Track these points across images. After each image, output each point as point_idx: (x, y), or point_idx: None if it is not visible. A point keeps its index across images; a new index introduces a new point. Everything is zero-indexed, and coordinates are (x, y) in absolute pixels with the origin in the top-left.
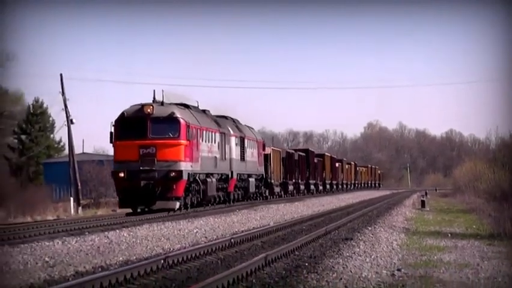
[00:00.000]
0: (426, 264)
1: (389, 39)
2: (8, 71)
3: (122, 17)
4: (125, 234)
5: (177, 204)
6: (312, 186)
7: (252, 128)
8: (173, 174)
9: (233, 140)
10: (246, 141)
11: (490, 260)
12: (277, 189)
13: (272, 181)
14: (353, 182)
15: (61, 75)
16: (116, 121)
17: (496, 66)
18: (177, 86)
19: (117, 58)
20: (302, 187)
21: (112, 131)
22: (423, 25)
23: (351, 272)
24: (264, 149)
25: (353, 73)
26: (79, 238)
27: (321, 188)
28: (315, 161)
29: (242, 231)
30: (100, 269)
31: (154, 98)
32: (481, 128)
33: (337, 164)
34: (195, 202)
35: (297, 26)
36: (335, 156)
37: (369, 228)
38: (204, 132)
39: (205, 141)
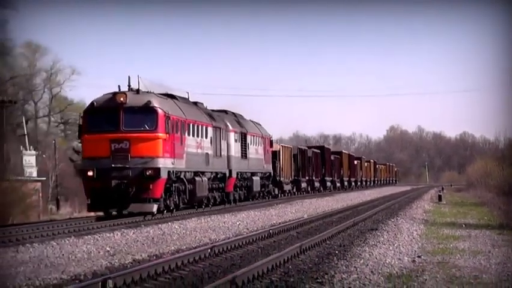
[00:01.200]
0: (443, 252)
1: (408, 53)
2: (73, 83)
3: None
4: (176, 227)
5: (154, 207)
6: (328, 183)
7: (259, 124)
8: (149, 172)
9: (232, 136)
10: (248, 137)
11: (500, 248)
12: (287, 187)
13: (281, 179)
14: (372, 179)
15: (119, 86)
16: (84, 112)
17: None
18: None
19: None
20: (317, 184)
21: (81, 123)
22: (440, 40)
23: (376, 258)
24: (271, 146)
25: (376, 82)
26: (135, 230)
27: (338, 185)
28: (332, 158)
29: (279, 223)
30: (154, 257)
31: (129, 85)
32: (491, 130)
33: (355, 162)
34: (180, 204)
35: (327, 41)
36: (353, 154)
37: (392, 220)
38: (191, 125)
39: (193, 136)
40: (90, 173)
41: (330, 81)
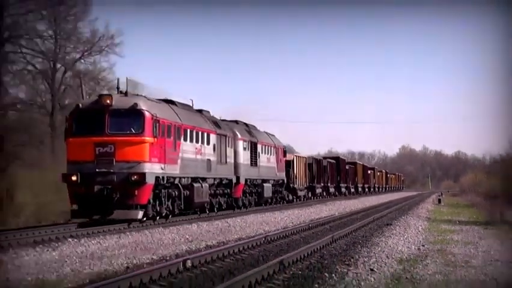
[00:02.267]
0: (442, 242)
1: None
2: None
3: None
4: (239, 221)
5: (140, 214)
6: (343, 189)
7: (273, 135)
8: (134, 177)
9: (241, 144)
10: (259, 146)
11: (486, 239)
12: (301, 193)
13: (296, 186)
14: (384, 185)
15: (192, 100)
16: (69, 114)
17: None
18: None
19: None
20: (332, 190)
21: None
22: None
23: (390, 246)
24: (285, 155)
25: (395, 112)
26: (208, 223)
27: (353, 190)
28: (347, 167)
29: (317, 219)
30: (222, 244)
31: (118, 87)
32: (480, 150)
33: (369, 171)
34: (175, 210)
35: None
36: (367, 165)
37: (403, 217)
38: (189, 131)
39: (191, 141)
40: (74, 178)
41: (359, 111)
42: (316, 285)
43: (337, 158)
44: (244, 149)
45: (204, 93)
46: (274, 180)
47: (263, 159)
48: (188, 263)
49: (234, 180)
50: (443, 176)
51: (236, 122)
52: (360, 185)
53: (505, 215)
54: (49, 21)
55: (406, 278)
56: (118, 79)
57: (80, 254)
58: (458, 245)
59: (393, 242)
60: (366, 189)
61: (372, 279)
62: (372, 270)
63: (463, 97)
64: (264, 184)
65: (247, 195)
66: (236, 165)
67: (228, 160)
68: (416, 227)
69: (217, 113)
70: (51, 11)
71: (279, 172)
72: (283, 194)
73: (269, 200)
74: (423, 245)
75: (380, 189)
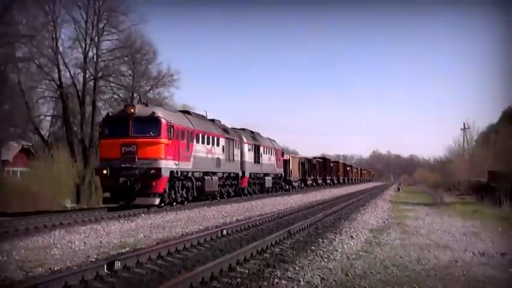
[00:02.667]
0: (400, 217)
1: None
2: None
3: None
4: (259, 203)
5: (157, 200)
6: (328, 181)
7: (273, 140)
8: (152, 171)
9: (246, 146)
10: (261, 148)
11: (431, 215)
12: (295, 184)
13: (291, 178)
14: (359, 178)
15: (206, 112)
16: (102, 121)
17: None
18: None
19: None
20: (320, 181)
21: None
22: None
23: (364, 220)
24: (282, 156)
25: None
26: (240, 204)
27: (336, 182)
28: (331, 165)
29: (314, 201)
30: (248, 218)
31: (140, 100)
32: (428, 154)
33: (348, 168)
34: (189, 197)
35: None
36: (347, 163)
37: (373, 200)
38: (201, 135)
39: (203, 143)
40: (104, 172)
41: (343, 124)
42: (313, 247)
43: (324, 158)
44: (249, 150)
45: (221, 107)
46: (274, 174)
47: (265, 158)
48: (224, 232)
49: (240, 174)
50: (401, 172)
51: (243, 129)
52: (341, 178)
53: (443, 198)
54: (129, 65)
55: (375, 242)
56: (140, 96)
57: (150, 225)
58: (411, 219)
59: (366, 217)
60: (347, 181)
61: (352, 243)
62: (352, 237)
63: (419, 110)
64: (266, 177)
65: (252, 185)
66: (242, 163)
67: (235, 158)
68: (382, 207)
69: (235, 124)
70: (131, 57)
71: (278, 168)
72: (282, 184)
73: (270, 189)
74: (387, 220)
75: (356, 180)
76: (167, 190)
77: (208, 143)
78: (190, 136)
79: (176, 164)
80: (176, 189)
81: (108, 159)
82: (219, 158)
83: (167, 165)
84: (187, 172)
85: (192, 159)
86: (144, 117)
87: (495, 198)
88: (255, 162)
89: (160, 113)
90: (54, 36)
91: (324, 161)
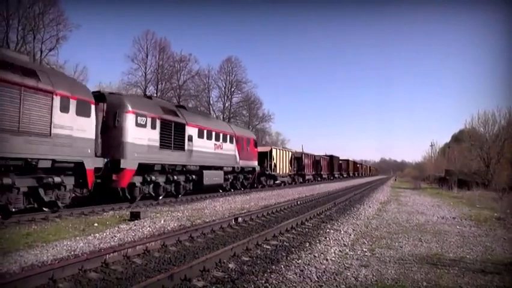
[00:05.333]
0: (396, 196)
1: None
2: None
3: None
4: (275, 192)
5: None
6: (336, 175)
7: (242, 128)
8: None
9: (130, 118)
10: (191, 129)
11: (414, 195)
12: (283, 179)
13: (275, 173)
14: (368, 173)
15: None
16: None
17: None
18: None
19: None
20: (325, 176)
21: None
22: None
23: (376, 198)
24: (255, 146)
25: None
26: (273, 191)
27: (345, 176)
28: (340, 162)
29: (323, 192)
30: (265, 207)
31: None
32: (414, 158)
33: (358, 165)
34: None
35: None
36: (357, 161)
37: (380, 186)
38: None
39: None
40: None
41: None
42: (348, 212)
43: (331, 156)
44: (141, 125)
45: None
46: (232, 167)
47: (204, 144)
48: (298, 202)
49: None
50: (397, 170)
51: (149, 97)
52: (351, 173)
53: (420, 185)
54: (246, 110)
55: (383, 209)
56: (253, 128)
57: (258, 197)
58: (402, 197)
59: (377, 195)
60: (356, 175)
61: (370, 210)
62: (369, 206)
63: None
64: (205, 171)
65: (146, 183)
66: (119, 144)
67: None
68: (386, 190)
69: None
70: (248, 106)
71: (243, 160)
72: (261, 180)
73: (220, 187)
74: (389, 197)
75: (365, 174)
76: None
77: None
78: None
79: None
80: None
81: None
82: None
83: None
84: None
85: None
86: None
87: (448, 185)
88: (166, 147)
89: None
90: (208, 95)
91: (331, 158)
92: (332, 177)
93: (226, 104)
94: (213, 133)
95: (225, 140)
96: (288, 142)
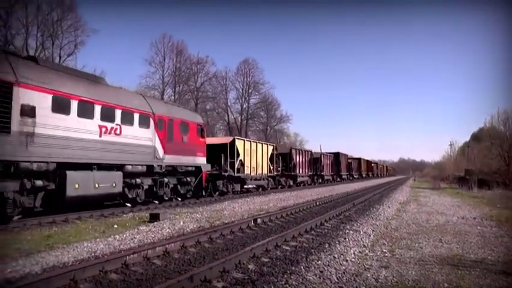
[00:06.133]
0: (416, 196)
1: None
2: None
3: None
4: (293, 193)
5: None
6: (344, 176)
7: (158, 100)
8: None
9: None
10: (24, 93)
11: (433, 195)
12: (260, 182)
13: (241, 174)
14: (385, 173)
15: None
16: None
17: None
18: None
19: None
20: (328, 177)
21: None
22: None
23: (395, 198)
24: (202, 136)
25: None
26: (291, 192)
27: (356, 177)
28: (349, 161)
29: (342, 193)
30: (283, 208)
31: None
32: (433, 157)
33: (372, 164)
34: None
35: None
36: (370, 160)
37: (399, 186)
38: None
39: None
40: None
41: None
42: (367, 212)
43: (337, 153)
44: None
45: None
46: (148, 166)
47: (71, 125)
48: (317, 203)
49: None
50: (416, 170)
51: (31, 57)
52: (364, 173)
53: (440, 185)
54: (264, 111)
55: (402, 209)
56: (271, 129)
57: (276, 198)
58: (422, 197)
59: (397, 196)
60: (370, 175)
61: (389, 210)
62: (389, 207)
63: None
64: (71, 172)
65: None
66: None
67: None
68: (405, 190)
69: None
70: (265, 107)
71: (175, 155)
72: (218, 184)
73: (122, 198)
74: (408, 197)
75: (381, 175)
76: None
77: None
78: None
79: None
80: None
81: None
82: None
83: None
84: None
85: None
86: None
87: (468, 185)
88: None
89: None
90: (226, 97)
91: (336, 156)
92: (338, 179)
93: (244, 106)
94: (97, 107)
95: (128, 121)
96: (306, 143)
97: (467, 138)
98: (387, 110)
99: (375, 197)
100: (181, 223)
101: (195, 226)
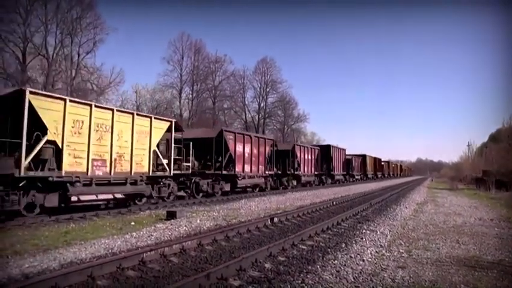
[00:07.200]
0: (433, 196)
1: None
2: None
3: None
4: (323, 190)
5: None
6: (338, 177)
7: None
8: None
9: None
10: None
11: (450, 196)
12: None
13: (231, 172)
14: (398, 173)
15: None
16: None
17: None
18: None
19: None
20: (358, 176)
21: None
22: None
23: (412, 198)
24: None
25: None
26: (308, 191)
27: (357, 177)
28: (347, 158)
29: (358, 193)
30: (300, 207)
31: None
32: (449, 158)
33: (383, 163)
34: None
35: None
36: (381, 158)
37: (416, 187)
38: None
39: None
40: None
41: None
42: (384, 213)
43: (327, 146)
44: None
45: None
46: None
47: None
48: (334, 202)
49: None
50: (433, 170)
51: None
52: (370, 174)
53: (457, 186)
54: (282, 110)
55: (419, 210)
56: (289, 128)
57: (293, 197)
58: (439, 198)
59: (414, 196)
60: (379, 176)
61: (406, 211)
62: (406, 207)
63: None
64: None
65: None
66: None
67: None
68: (422, 190)
69: None
70: (283, 106)
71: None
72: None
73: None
74: (425, 198)
75: (395, 175)
76: None
77: None
78: None
79: None
80: None
81: None
82: None
83: None
84: None
85: None
86: None
87: (486, 186)
88: None
89: None
90: (243, 96)
91: (326, 149)
92: (326, 181)
93: (262, 105)
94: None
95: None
96: (323, 142)
97: (485, 139)
98: (402, 113)
99: (392, 197)
100: (198, 221)
101: (211, 224)
